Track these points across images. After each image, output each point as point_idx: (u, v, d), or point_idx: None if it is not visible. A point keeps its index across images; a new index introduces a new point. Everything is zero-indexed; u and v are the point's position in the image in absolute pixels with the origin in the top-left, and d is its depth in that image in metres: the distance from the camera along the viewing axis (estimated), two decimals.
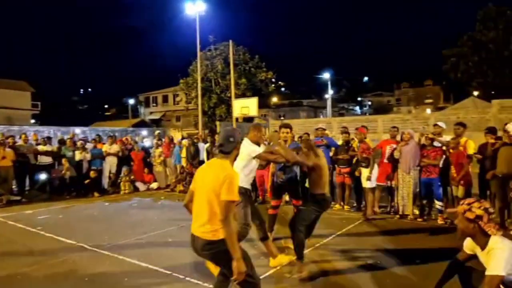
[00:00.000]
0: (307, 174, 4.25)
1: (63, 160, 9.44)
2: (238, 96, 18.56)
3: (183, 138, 12.27)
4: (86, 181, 9.50)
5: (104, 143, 10.70)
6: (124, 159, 10.43)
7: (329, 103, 39.78)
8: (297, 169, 5.11)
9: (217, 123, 17.47)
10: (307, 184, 5.39)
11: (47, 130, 15.34)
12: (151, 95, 44.74)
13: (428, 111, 36.95)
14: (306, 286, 3.58)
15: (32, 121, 36.05)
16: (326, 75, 40.25)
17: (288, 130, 4.98)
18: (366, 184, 6.39)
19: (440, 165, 5.95)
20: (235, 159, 2.73)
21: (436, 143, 6.04)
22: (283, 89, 42.36)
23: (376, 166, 6.46)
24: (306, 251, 4.13)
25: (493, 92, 25.30)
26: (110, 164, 10.12)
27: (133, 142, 11.67)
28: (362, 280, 3.68)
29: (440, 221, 5.81)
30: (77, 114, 56.39)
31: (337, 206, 7.08)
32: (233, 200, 2.30)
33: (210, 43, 21.80)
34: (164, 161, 10.63)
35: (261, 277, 3.39)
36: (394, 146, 6.39)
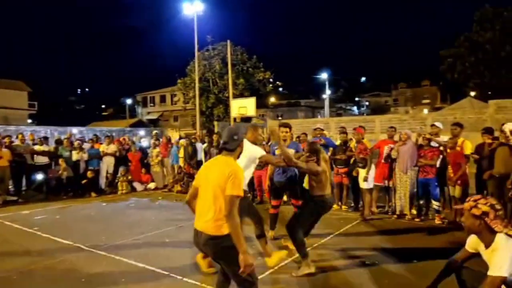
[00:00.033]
0: (308, 176, 4.23)
1: (60, 160, 9.40)
2: (236, 96, 18.56)
3: (180, 138, 12.24)
4: (83, 181, 9.46)
5: (101, 143, 10.67)
6: (121, 159, 10.39)
7: (326, 103, 39.85)
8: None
9: (215, 123, 17.46)
10: (305, 184, 5.40)
11: (44, 130, 15.28)
12: (148, 95, 44.66)
13: (425, 111, 37.09)
14: (304, 286, 3.58)
15: (29, 121, 35.89)
16: (324, 75, 40.37)
17: (288, 129, 5.00)
18: (363, 184, 6.40)
19: (437, 165, 5.97)
20: (238, 156, 2.75)
21: (433, 143, 6.07)
22: (281, 89, 42.50)
23: (373, 166, 6.47)
24: None
25: (489, 93, 25.43)
26: (107, 164, 10.09)
27: (130, 142, 11.64)
28: (360, 280, 3.69)
29: (437, 221, 5.83)
30: (75, 114, 56.25)
31: (335, 206, 7.07)
32: (238, 194, 2.34)
33: (208, 43, 21.83)
34: (162, 161, 10.61)
35: (259, 277, 3.40)
36: (392, 146, 6.40)
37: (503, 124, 5.50)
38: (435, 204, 5.88)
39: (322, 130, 7.54)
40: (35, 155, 9.35)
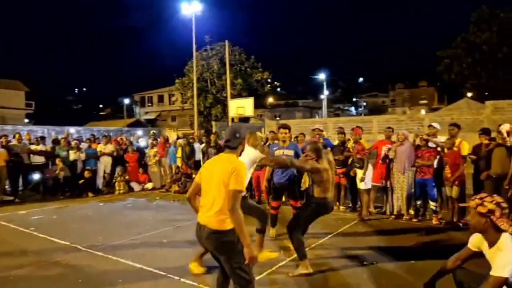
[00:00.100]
0: (310, 177, 4.25)
1: (57, 160, 9.36)
2: (234, 96, 18.57)
3: (178, 138, 12.23)
4: (81, 181, 9.43)
5: (99, 143, 10.63)
6: (118, 159, 10.37)
7: (324, 103, 39.94)
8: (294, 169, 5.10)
9: (213, 123, 17.46)
10: (302, 185, 5.41)
11: (41, 130, 15.19)
12: (146, 95, 44.57)
13: (423, 112, 37.20)
14: (301, 287, 3.58)
15: (26, 120, 35.74)
16: (321, 76, 40.43)
17: (287, 130, 5.03)
18: (361, 185, 6.41)
19: (435, 166, 5.99)
20: (240, 154, 2.83)
21: (430, 144, 6.08)
22: (279, 89, 42.46)
23: (370, 167, 6.48)
24: None
25: (486, 94, 25.52)
26: (104, 164, 10.06)
27: (128, 142, 11.60)
28: (358, 280, 3.69)
29: (434, 222, 5.84)
30: (72, 114, 56.10)
31: None
32: (240, 189, 2.42)
33: (206, 43, 21.83)
34: (159, 161, 10.58)
35: (257, 277, 3.39)
36: (390, 146, 6.41)
37: (500, 125, 5.52)
38: (432, 204, 5.90)
39: (321, 130, 7.53)
40: (31, 155, 9.31)
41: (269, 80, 22.59)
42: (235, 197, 2.39)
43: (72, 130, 16.72)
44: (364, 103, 64.56)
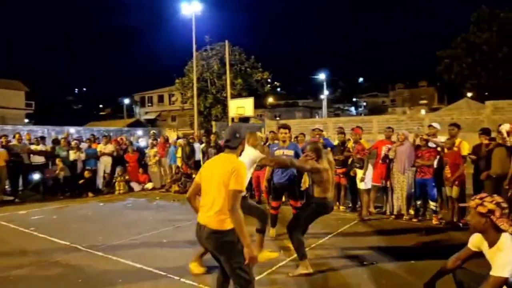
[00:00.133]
0: (310, 177, 4.26)
1: (57, 160, 9.36)
2: (234, 96, 18.57)
3: (178, 138, 12.22)
4: (80, 181, 9.43)
5: (98, 143, 10.63)
6: (118, 159, 10.37)
7: (324, 103, 39.94)
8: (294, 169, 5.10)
9: (213, 123, 17.46)
10: (302, 185, 5.40)
11: (41, 130, 15.19)
12: (146, 95, 44.57)
13: (423, 112, 37.19)
14: (301, 287, 3.58)
15: (26, 120, 35.74)
16: (321, 76, 40.44)
17: (287, 130, 5.04)
18: (361, 185, 6.41)
19: (435, 166, 5.99)
20: (240, 154, 2.85)
21: (430, 144, 6.08)
22: (279, 89, 42.45)
23: (370, 167, 6.48)
24: None
25: (486, 94, 25.52)
26: (104, 164, 10.06)
27: (128, 142, 11.59)
28: (358, 280, 3.69)
29: (434, 222, 5.84)
30: (72, 114, 56.08)
31: None
32: (240, 189, 2.43)
33: (206, 43, 21.84)
34: (159, 161, 10.58)
35: (257, 278, 3.39)
36: (390, 146, 6.41)
37: (500, 125, 5.52)
38: (432, 204, 5.90)
39: (321, 130, 7.52)
40: (31, 155, 9.31)
41: (269, 80, 22.60)
42: (235, 197, 2.40)
43: (72, 130, 16.72)
44: (364, 103, 64.56)
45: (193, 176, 9.57)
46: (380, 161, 6.48)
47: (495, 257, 2.25)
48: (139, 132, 20.18)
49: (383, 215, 6.52)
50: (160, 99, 42.89)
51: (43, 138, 10.32)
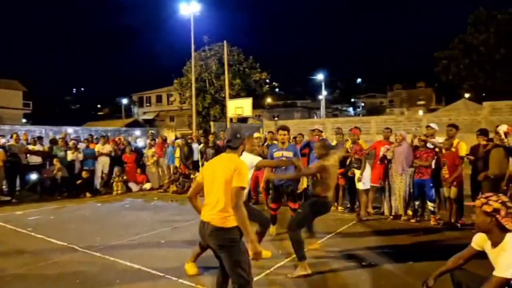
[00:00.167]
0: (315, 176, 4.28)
1: (55, 160, 9.32)
2: (232, 97, 18.57)
3: (176, 138, 12.20)
4: (78, 182, 9.39)
5: (96, 143, 10.60)
6: (116, 159, 10.34)
7: (323, 104, 39.99)
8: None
9: (211, 123, 17.45)
10: (299, 186, 5.39)
11: (38, 130, 15.17)
12: (144, 95, 44.48)
13: (421, 112, 37.26)
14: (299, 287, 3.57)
15: (24, 120, 35.62)
16: (320, 76, 40.50)
17: (286, 132, 5.04)
18: (359, 185, 6.41)
19: (432, 166, 6.00)
20: (241, 154, 2.89)
21: (428, 145, 6.09)
22: (277, 89, 42.49)
23: (369, 167, 6.49)
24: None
25: (484, 95, 25.62)
26: (102, 164, 10.03)
27: (126, 142, 11.57)
28: (356, 281, 3.69)
29: (432, 222, 5.85)
30: (70, 114, 55.86)
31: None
32: (244, 186, 2.51)
33: (205, 44, 21.81)
34: (157, 162, 10.56)
35: (255, 278, 3.39)
36: (388, 147, 6.42)
37: (497, 126, 5.54)
38: (430, 205, 5.90)
39: (321, 131, 7.50)
40: (28, 155, 9.27)
41: (267, 81, 22.61)
42: (238, 194, 2.47)
43: (70, 130, 16.68)
44: (362, 104, 64.70)
45: (191, 176, 9.56)
46: (378, 162, 6.48)
47: (499, 258, 2.23)
48: (137, 132, 20.16)
49: (381, 215, 6.52)
50: (159, 99, 42.81)
51: (40, 138, 10.29)
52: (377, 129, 12.16)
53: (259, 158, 4.35)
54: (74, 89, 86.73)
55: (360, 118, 26.51)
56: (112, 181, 9.91)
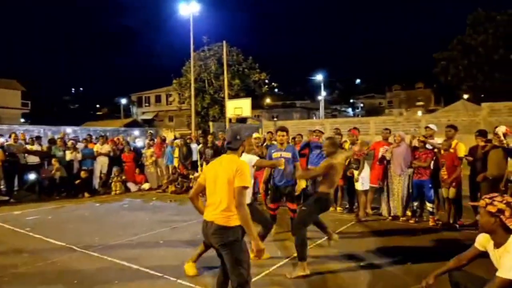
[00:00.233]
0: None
1: (53, 160, 9.30)
2: (231, 97, 18.55)
3: (175, 138, 12.19)
4: (77, 182, 9.37)
5: (95, 143, 10.58)
6: (115, 159, 10.32)
7: (322, 104, 40.02)
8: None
9: (210, 123, 17.40)
10: (296, 188, 5.38)
11: (37, 130, 15.11)
12: (143, 95, 44.44)
13: (419, 113, 37.37)
14: None
15: (22, 120, 35.54)
16: (319, 77, 40.54)
17: (285, 133, 5.04)
18: (358, 186, 6.42)
19: (431, 167, 6.01)
20: (241, 155, 2.92)
21: (428, 146, 6.10)
22: (276, 90, 42.50)
23: (368, 168, 6.49)
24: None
25: (482, 96, 25.67)
26: (101, 164, 10.02)
27: (124, 142, 11.55)
28: (355, 281, 3.69)
29: (431, 223, 5.85)
30: (68, 114, 55.73)
31: (331, 208, 7.07)
32: (246, 186, 2.57)
33: (204, 44, 21.77)
34: (156, 162, 10.55)
35: (255, 278, 3.38)
36: (387, 148, 6.43)
37: (496, 127, 5.54)
38: (429, 206, 5.91)
39: (322, 132, 7.47)
40: (26, 155, 9.25)
41: (266, 81, 22.59)
42: (241, 193, 2.53)
43: (68, 130, 16.62)
44: (361, 104, 64.81)
45: (190, 176, 9.55)
46: (377, 163, 6.49)
47: (502, 258, 2.23)
48: (136, 132, 20.12)
49: (380, 216, 6.53)
50: (158, 99, 42.77)
51: (38, 138, 10.26)
52: (376, 129, 12.16)
53: (257, 158, 4.37)
54: (73, 89, 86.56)
55: (359, 118, 26.54)
56: (110, 181, 9.89)
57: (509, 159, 5.28)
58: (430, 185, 5.88)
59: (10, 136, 9.62)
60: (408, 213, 6.24)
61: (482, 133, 5.81)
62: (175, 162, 10.11)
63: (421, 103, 52.35)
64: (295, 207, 4.93)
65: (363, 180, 6.37)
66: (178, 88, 23.10)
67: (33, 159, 9.32)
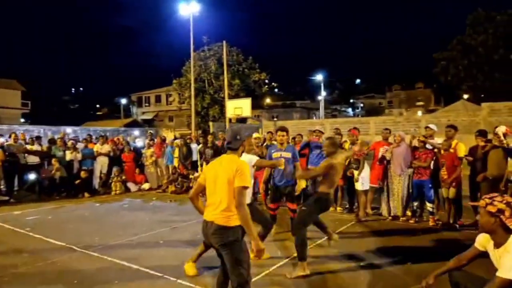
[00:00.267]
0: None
1: (53, 160, 9.30)
2: (231, 97, 18.55)
3: (175, 138, 12.19)
4: (77, 182, 9.37)
5: (95, 143, 10.58)
6: (115, 159, 10.32)
7: (322, 104, 40.03)
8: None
9: (210, 123, 17.40)
10: (296, 188, 5.39)
11: (37, 130, 15.12)
12: (143, 95, 44.44)
13: (419, 113, 37.36)
14: None
15: (22, 120, 35.54)
16: (319, 77, 40.55)
17: (284, 133, 5.04)
18: (358, 186, 6.42)
19: (431, 167, 6.01)
20: (241, 155, 2.93)
21: (428, 146, 6.10)
22: (276, 90, 42.51)
23: (368, 168, 6.49)
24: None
25: (482, 96, 25.68)
26: (101, 164, 10.02)
27: (124, 142, 11.55)
28: (355, 281, 3.69)
29: (431, 223, 5.85)
30: (68, 114, 55.74)
31: (331, 208, 7.07)
32: (246, 186, 2.57)
33: (204, 44, 21.77)
34: (156, 162, 10.55)
35: (255, 278, 3.39)
36: (387, 148, 6.43)
37: (496, 127, 5.54)
38: (429, 206, 5.91)
39: (322, 133, 7.46)
40: (26, 155, 9.25)
41: (266, 81, 22.59)
42: (241, 193, 2.54)
43: (68, 130, 16.61)
44: (361, 104, 64.82)
45: (190, 176, 9.55)
46: (377, 163, 6.49)
47: (502, 258, 2.23)
48: (136, 132, 20.12)
49: (380, 216, 6.53)
50: (158, 99, 42.77)
51: (38, 138, 10.26)
52: (376, 129, 12.16)
53: (257, 158, 4.38)
54: (73, 89, 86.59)
55: (359, 118, 26.54)
56: (110, 181, 9.89)
57: (509, 159, 5.28)
58: (430, 185, 5.88)
59: (10, 136, 9.62)
60: (408, 213, 6.24)
61: (482, 133, 5.81)
62: (175, 162, 10.11)
63: (421, 103, 52.35)
64: (295, 207, 4.93)
65: (363, 180, 6.37)
66: (178, 88, 23.10)
67: (33, 159, 9.32)
